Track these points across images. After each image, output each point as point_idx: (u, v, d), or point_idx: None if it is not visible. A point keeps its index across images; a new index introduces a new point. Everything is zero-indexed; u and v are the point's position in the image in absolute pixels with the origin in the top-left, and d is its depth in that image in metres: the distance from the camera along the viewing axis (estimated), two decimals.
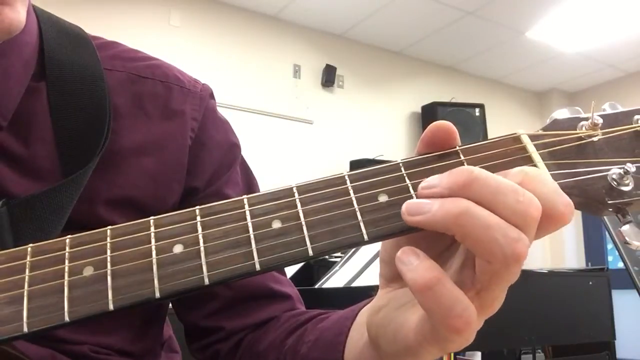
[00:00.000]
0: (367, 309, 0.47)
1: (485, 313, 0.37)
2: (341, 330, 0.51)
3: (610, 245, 4.99)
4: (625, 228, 0.37)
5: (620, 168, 0.38)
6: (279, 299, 0.67)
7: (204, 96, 0.69)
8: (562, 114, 0.42)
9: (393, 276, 0.43)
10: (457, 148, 0.40)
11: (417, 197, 0.37)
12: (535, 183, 0.35)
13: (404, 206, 0.37)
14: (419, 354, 0.38)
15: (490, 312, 0.37)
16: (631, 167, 0.38)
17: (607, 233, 2.59)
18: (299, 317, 0.63)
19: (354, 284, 1.82)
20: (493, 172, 0.38)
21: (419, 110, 5.02)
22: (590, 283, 1.87)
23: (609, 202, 0.38)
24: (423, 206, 0.36)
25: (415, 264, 0.35)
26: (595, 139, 0.40)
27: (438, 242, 0.41)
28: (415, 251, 0.36)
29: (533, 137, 0.40)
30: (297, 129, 4.41)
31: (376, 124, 4.82)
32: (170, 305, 0.70)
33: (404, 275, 0.35)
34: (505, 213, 0.34)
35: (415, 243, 0.41)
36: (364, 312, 0.49)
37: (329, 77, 4.59)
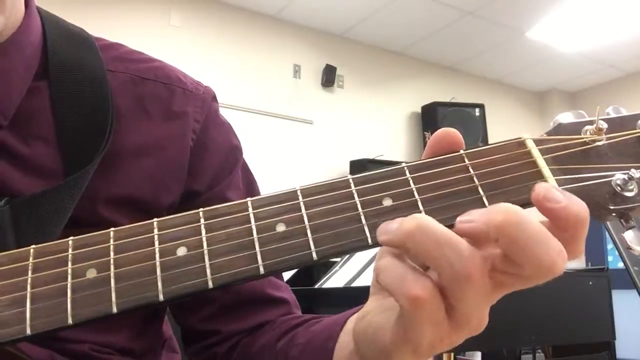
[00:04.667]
0: (355, 316, 0.47)
1: (462, 329, 0.37)
2: (330, 335, 0.51)
3: (610, 245, 4.99)
4: (628, 234, 0.37)
5: (624, 173, 0.38)
6: (275, 304, 0.68)
7: (206, 99, 0.69)
8: (566, 118, 0.42)
9: None
10: (462, 152, 0.40)
11: None
12: (513, 230, 0.34)
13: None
14: (392, 357, 0.38)
15: (469, 330, 0.37)
16: (635, 173, 0.38)
17: (607, 233, 2.58)
18: (292, 320, 0.63)
19: (354, 284, 1.82)
20: (497, 177, 0.38)
21: (419, 110, 5.02)
22: (590, 283, 1.87)
23: (613, 207, 0.38)
24: (387, 226, 0.37)
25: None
26: (599, 143, 0.40)
27: None
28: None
29: (537, 142, 0.40)
30: (297, 129, 4.41)
31: (376, 124, 4.81)
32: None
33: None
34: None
35: None
36: (353, 319, 0.49)
37: (329, 77, 4.58)
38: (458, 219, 0.36)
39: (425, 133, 4.89)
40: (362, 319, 0.43)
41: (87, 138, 0.59)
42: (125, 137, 0.62)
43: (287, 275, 1.43)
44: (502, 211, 0.34)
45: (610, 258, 5.07)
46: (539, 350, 2.43)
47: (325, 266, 2.19)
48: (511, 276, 0.35)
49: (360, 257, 1.95)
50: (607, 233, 2.50)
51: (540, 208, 0.35)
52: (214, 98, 0.71)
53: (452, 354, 1.76)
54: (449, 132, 0.41)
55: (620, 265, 1.89)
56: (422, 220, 0.35)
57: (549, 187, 0.36)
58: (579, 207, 0.35)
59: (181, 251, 0.38)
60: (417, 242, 0.35)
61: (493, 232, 0.34)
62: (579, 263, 5.35)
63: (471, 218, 0.35)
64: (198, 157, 0.66)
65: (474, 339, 0.37)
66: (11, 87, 0.58)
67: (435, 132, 0.41)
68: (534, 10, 4.27)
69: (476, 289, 0.34)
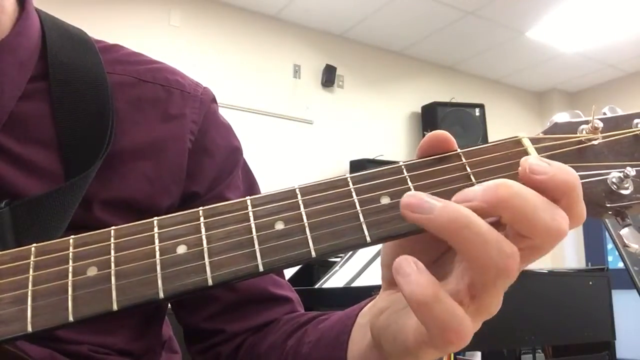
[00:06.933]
0: (369, 311, 0.47)
1: (482, 316, 0.37)
2: (343, 330, 0.51)
3: (610, 245, 4.99)
4: (625, 231, 0.38)
5: (620, 172, 0.39)
6: (279, 302, 0.68)
7: (204, 100, 0.69)
8: (562, 117, 0.42)
9: (394, 279, 0.43)
10: (459, 151, 0.40)
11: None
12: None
13: (405, 198, 0.36)
14: (418, 356, 0.39)
15: (488, 315, 0.37)
16: (631, 171, 0.38)
17: (607, 233, 2.58)
18: (299, 318, 0.63)
19: (354, 284, 1.82)
20: (494, 175, 0.38)
21: (419, 110, 5.02)
22: (590, 283, 1.87)
23: (609, 205, 0.38)
24: (424, 205, 0.35)
25: (412, 277, 0.34)
26: (595, 142, 0.40)
27: (438, 245, 0.41)
28: (412, 261, 0.35)
29: (534, 141, 0.40)
30: (297, 129, 4.41)
31: (376, 124, 4.82)
32: (170, 306, 0.70)
33: (400, 286, 0.35)
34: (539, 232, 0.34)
35: (414, 244, 0.41)
36: (366, 313, 0.49)
37: (329, 77, 4.59)
38: (453, 199, 0.35)
39: (425, 133, 4.87)
40: (380, 314, 0.43)
41: (87, 141, 0.59)
42: (122, 139, 0.62)
43: (287, 275, 1.44)
44: (501, 185, 0.34)
45: (610, 258, 5.07)
46: (539, 350, 2.43)
47: (325, 266, 2.20)
48: (522, 251, 0.35)
49: (361, 257, 1.96)
50: (607, 233, 2.50)
51: (528, 183, 0.35)
52: (213, 100, 0.71)
53: (452, 354, 1.76)
54: (439, 134, 0.41)
55: (620, 265, 1.89)
56: (470, 214, 0.34)
57: (533, 160, 0.36)
58: (567, 174, 0.35)
59: (181, 249, 0.38)
60: (461, 237, 0.34)
61: (496, 207, 0.34)
62: (578, 263, 5.36)
63: (468, 197, 0.35)
64: (198, 159, 0.66)
65: (474, 338, 0.37)
66: (3, 91, 0.57)
67: (426, 136, 0.41)
68: (534, 10, 4.27)
69: (510, 280, 0.35)
